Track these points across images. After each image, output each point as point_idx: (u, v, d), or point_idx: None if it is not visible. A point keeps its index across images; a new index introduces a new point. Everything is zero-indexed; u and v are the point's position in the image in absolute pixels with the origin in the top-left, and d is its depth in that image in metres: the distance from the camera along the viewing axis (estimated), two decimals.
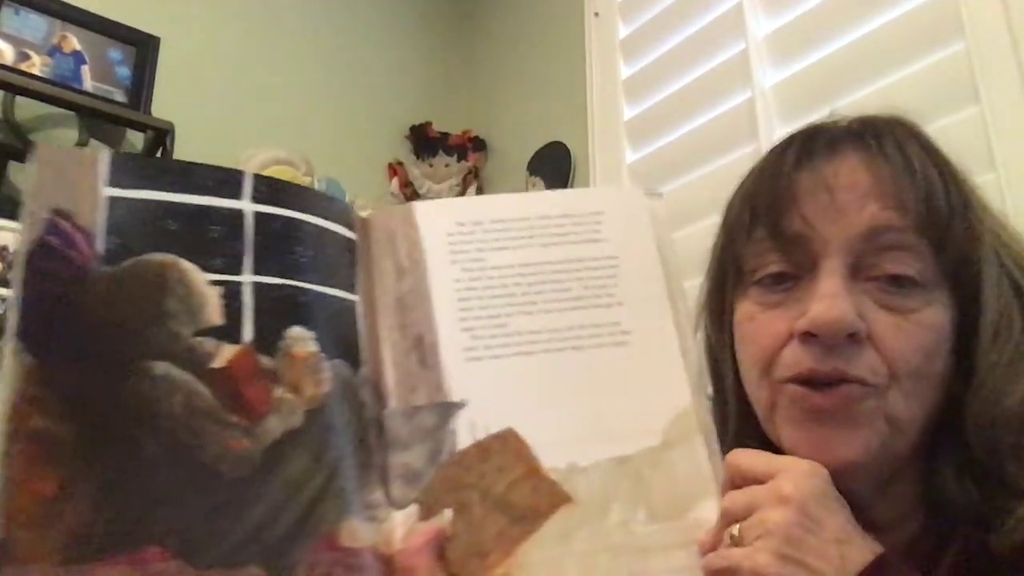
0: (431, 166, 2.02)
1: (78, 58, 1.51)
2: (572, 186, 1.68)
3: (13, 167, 1.47)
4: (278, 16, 1.93)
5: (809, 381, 0.45)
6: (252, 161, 1.77)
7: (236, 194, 0.44)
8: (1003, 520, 0.42)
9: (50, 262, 0.38)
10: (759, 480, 0.41)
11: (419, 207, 0.48)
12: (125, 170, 0.41)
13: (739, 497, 0.41)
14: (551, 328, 0.45)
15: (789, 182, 0.48)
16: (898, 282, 0.45)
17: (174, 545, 0.36)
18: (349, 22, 2.05)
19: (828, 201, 0.46)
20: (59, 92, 1.42)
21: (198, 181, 0.43)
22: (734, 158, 1.29)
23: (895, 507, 0.48)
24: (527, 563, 0.41)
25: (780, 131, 1.22)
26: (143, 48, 1.60)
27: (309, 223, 0.44)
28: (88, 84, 1.51)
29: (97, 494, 0.35)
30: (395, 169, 1.99)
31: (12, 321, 0.36)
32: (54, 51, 1.49)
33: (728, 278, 0.53)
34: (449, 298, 0.45)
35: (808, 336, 0.45)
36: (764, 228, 0.49)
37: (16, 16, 1.46)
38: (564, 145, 1.72)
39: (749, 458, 0.43)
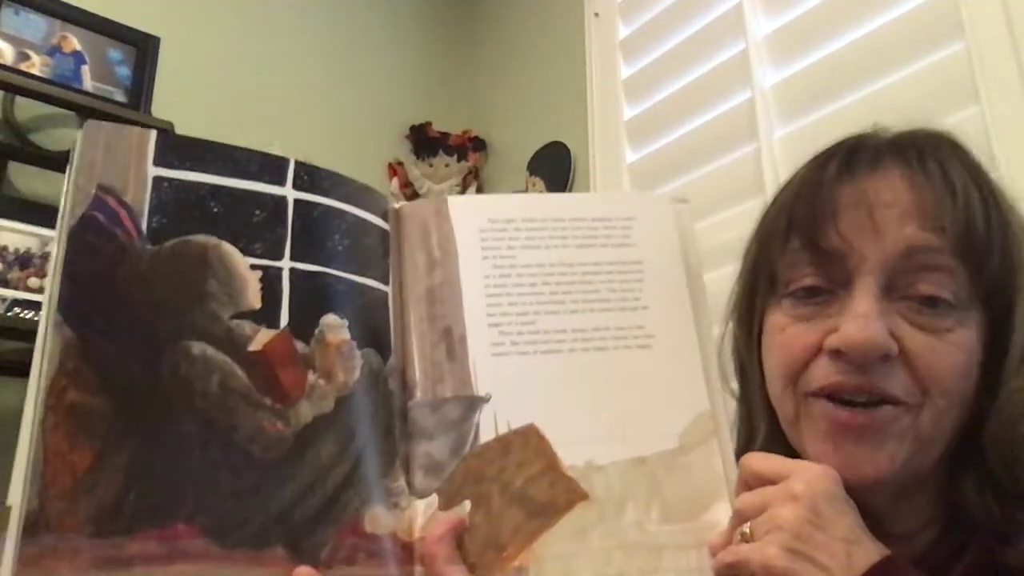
0: (431, 166, 2.02)
1: (78, 58, 1.51)
2: (572, 186, 1.68)
3: (13, 167, 1.47)
4: (278, 16, 1.93)
5: (836, 396, 0.46)
6: None
7: (280, 180, 0.45)
8: (1020, 533, 0.43)
9: (94, 237, 0.38)
10: (772, 482, 0.42)
11: (452, 201, 0.49)
12: (172, 150, 0.41)
13: (751, 497, 0.42)
14: (577, 328, 0.46)
15: (829, 196, 0.48)
16: (932, 302, 0.45)
17: (203, 523, 0.36)
18: (349, 22, 2.05)
19: (867, 218, 0.46)
20: (59, 92, 1.42)
21: (243, 165, 0.43)
22: (734, 158, 1.29)
23: (913, 518, 0.49)
24: (543, 556, 0.41)
25: (780, 131, 1.22)
26: (143, 48, 1.60)
27: (347, 212, 0.46)
28: (88, 84, 1.51)
29: (130, 469, 0.36)
30: (395, 169, 1.99)
31: (53, 294, 0.36)
32: (54, 51, 1.49)
33: (760, 286, 0.53)
34: (479, 293, 0.46)
35: (838, 353, 0.45)
36: (800, 240, 0.49)
37: (16, 16, 1.46)
38: (564, 145, 1.72)
39: (762, 461, 0.44)
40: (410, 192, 1.98)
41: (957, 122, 0.98)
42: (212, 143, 0.43)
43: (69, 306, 0.36)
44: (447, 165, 2.02)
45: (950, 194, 0.46)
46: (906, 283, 0.45)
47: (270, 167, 0.44)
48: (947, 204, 0.46)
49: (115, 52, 1.56)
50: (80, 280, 0.37)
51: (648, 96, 1.51)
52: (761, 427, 0.53)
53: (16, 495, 0.32)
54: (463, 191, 2.01)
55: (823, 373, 0.46)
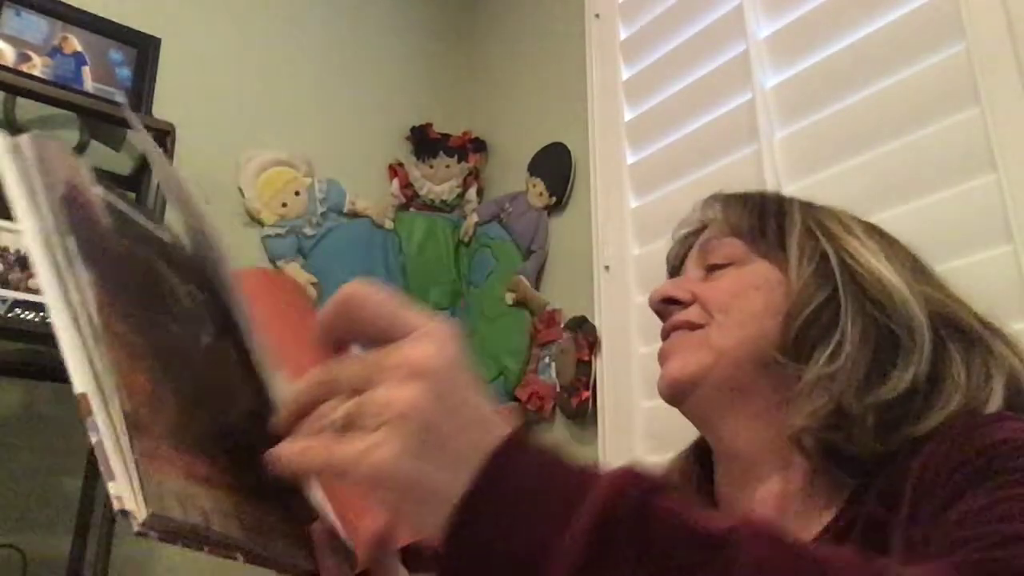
0: (432, 167, 2.02)
1: (79, 59, 1.52)
2: (572, 187, 1.69)
3: None
4: (279, 18, 1.93)
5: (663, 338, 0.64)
6: (252, 162, 1.78)
7: None
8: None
9: (81, 209, 0.38)
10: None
11: None
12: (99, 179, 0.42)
13: (349, 368, 0.33)
14: None
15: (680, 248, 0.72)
16: (712, 268, 0.63)
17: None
18: (350, 23, 2.05)
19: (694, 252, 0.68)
20: (60, 93, 1.42)
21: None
22: (734, 159, 1.29)
23: (764, 461, 0.57)
24: None
25: (780, 133, 1.23)
26: (144, 49, 1.60)
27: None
28: (89, 85, 1.51)
29: (178, 404, 0.35)
30: (395, 170, 1.99)
31: (72, 239, 0.35)
32: (55, 52, 1.49)
33: None
34: None
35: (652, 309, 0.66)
36: (668, 263, 0.73)
37: (17, 17, 1.47)
38: (564, 146, 1.72)
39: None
40: (411, 193, 1.99)
41: (957, 122, 0.99)
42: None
43: (83, 248, 0.35)
44: (448, 166, 2.02)
45: (723, 213, 0.66)
46: (704, 262, 0.65)
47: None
48: (720, 218, 0.66)
49: (116, 53, 1.57)
50: (85, 228, 0.37)
51: (648, 97, 1.51)
52: None
53: (87, 385, 0.31)
54: (464, 192, 2.01)
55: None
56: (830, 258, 0.58)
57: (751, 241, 0.63)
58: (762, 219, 0.64)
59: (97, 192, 0.40)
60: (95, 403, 0.31)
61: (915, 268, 0.60)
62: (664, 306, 0.64)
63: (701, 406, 0.60)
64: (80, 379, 0.31)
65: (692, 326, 0.61)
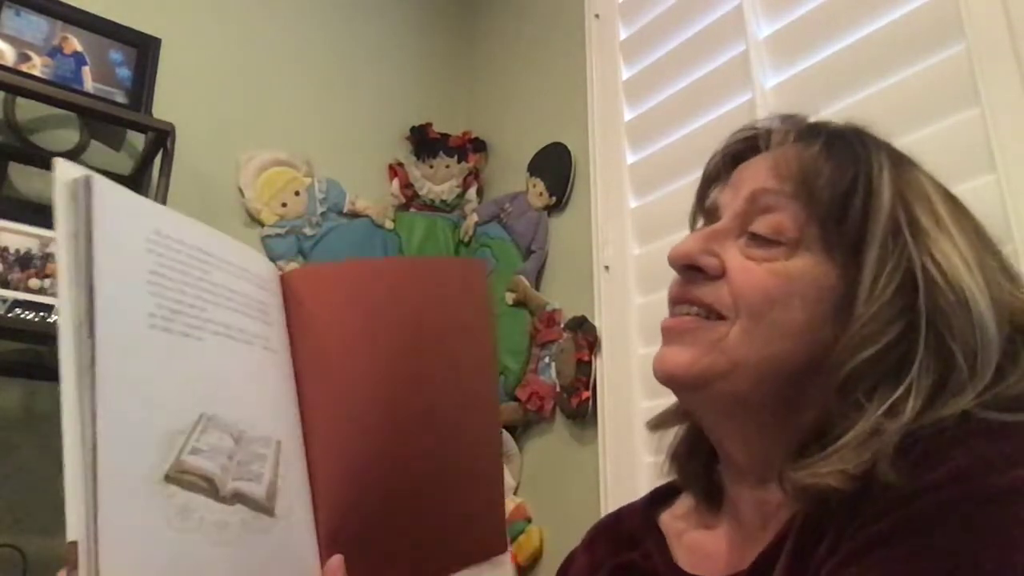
0: (431, 167, 2.02)
1: (79, 59, 1.52)
2: (572, 187, 1.68)
3: (14, 168, 1.47)
4: (278, 17, 1.93)
5: (672, 309, 0.54)
6: (252, 162, 1.78)
7: None
8: (808, 466, 0.44)
9: None
10: None
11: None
12: None
13: None
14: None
15: (717, 177, 0.60)
16: (760, 239, 0.51)
17: None
18: (349, 23, 2.05)
19: (736, 181, 0.55)
20: (60, 93, 1.42)
21: None
22: None
23: (768, 463, 0.50)
24: None
25: None
26: (144, 49, 1.60)
27: None
28: (89, 85, 1.51)
29: None
30: (395, 170, 1.99)
31: None
32: (55, 52, 1.49)
33: None
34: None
35: (672, 267, 0.54)
36: (697, 209, 0.61)
37: (17, 17, 1.46)
38: (564, 146, 1.72)
39: None
40: (411, 193, 1.99)
41: (957, 122, 0.98)
42: None
43: None
44: (447, 166, 2.02)
45: (796, 151, 0.52)
46: (748, 223, 0.52)
47: None
48: (791, 158, 0.52)
49: (116, 53, 1.57)
50: None
51: (648, 97, 1.51)
52: None
53: (79, 533, 0.33)
54: (464, 192, 2.01)
55: (671, 289, 0.55)
56: (915, 273, 0.46)
57: (820, 224, 0.49)
58: (848, 196, 0.49)
59: None
60: (83, 556, 0.32)
61: (1003, 267, 0.50)
62: (687, 271, 0.52)
63: (698, 405, 0.54)
64: (73, 526, 0.32)
65: (711, 312, 0.51)
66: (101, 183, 0.38)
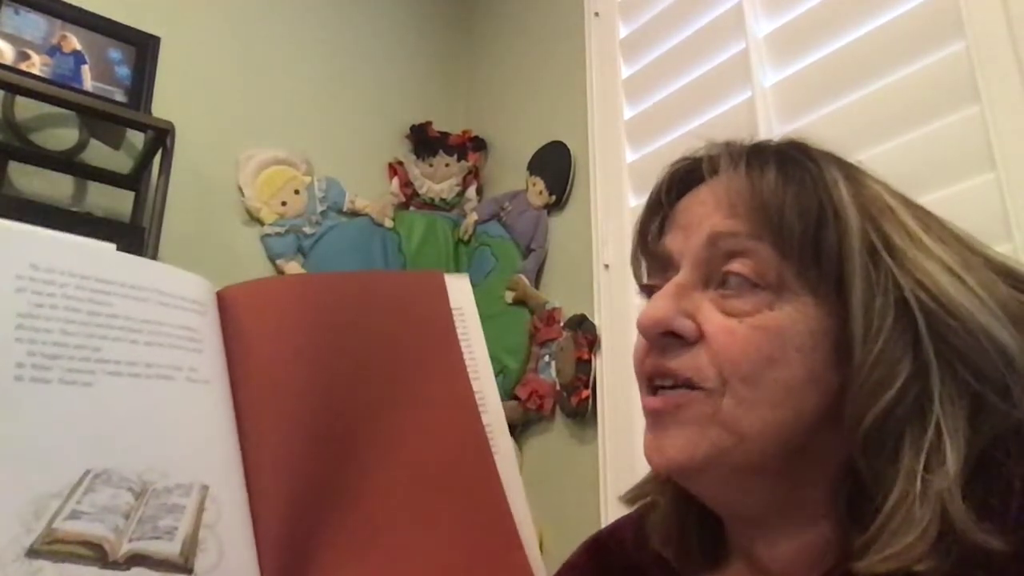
0: (431, 166, 2.02)
1: (78, 58, 1.51)
2: (572, 185, 1.68)
3: (13, 167, 1.47)
4: (278, 16, 1.93)
5: (651, 384, 0.47)
6: (251, 161, 1.78)
7: None
8: (867, 549, 0.39)
9: None
10: None
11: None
12: None
13: None
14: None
15: (658, 208, 0.52)
16: (735, 286, 0.44)
17: None
18: (349, 22, 2.05)
19: (685, 220, 0.49)
20: (59, 92, 1.42)
21: None
22: None
23: (807, 508, 0.45)
24: None
25: (780, 131, 1.22)
26: (143, 48, 1.60)
27: None
28: (88, 84, 1.51)
29: None
30: (395, 169, 1.99)
31: None
32: (54, 51, 1.49)
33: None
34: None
35: (644, 337, 0.47)
36: (639, 248, 0.53)
37: (16, 16, 1.46)
38: (564, 145, 1.72)
39: None
40: (410, 192, 1.99)
41: (957, 122, 0.98)
42: None
43: None
44: (447, 165, 2.02)
45: (749, 182, 0.46)
46: (715, 270, 0.46)
47: None
48: (744, 191, 0.46)
49: (115, 52, 1.56)
50: None
51: (648, 96, 1.51)
52: None
53: None
54: (463, 191, 2.01)
55: (639, 360, 0.48)
56: (908, 300, 0.42)
57: (797, 263, 0.43)
58: (819, 227, 0.43)
59: None
60: None
61: (987, 259, 0.45)
62: (663, 339, 0.45)
63: (706, 487, 0.47)
64: None
65: (692, 387, 0.44)
66: None
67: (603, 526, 0.65)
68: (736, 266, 0.44)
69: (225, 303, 0.44)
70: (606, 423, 1.42)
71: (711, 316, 0.44)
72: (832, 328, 0.43)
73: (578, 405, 1.46)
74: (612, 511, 1.31)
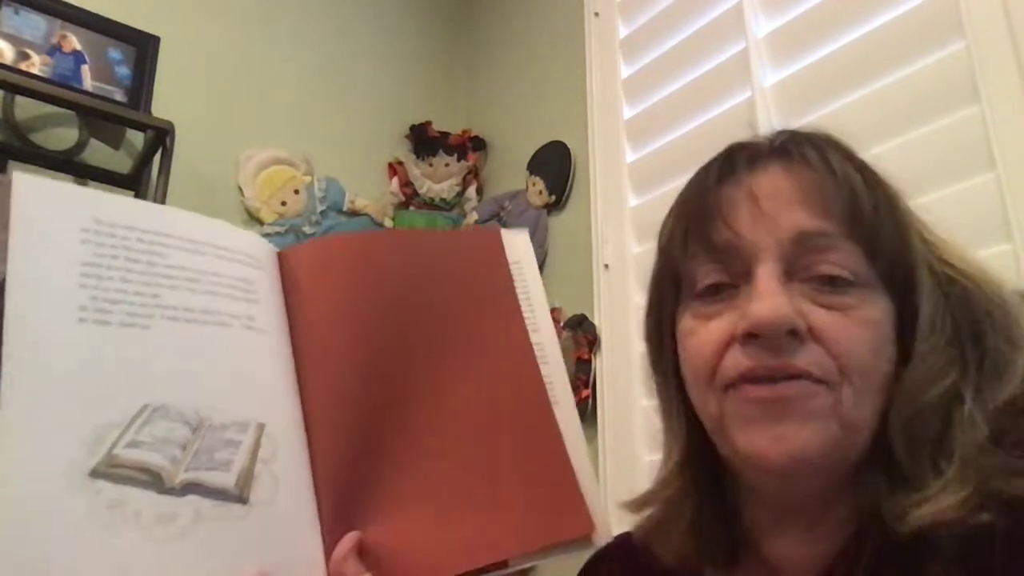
0: (431, 165, 2.02)
1: (78, 57, 1.51)
2: (572, 185, 1.68)
3: (13, 167, 1.47)
4: (278, 16, 1.93)
5: (754, 379, 0.45)
6: (251, 161, 1.78)
7: None
8: (904, 512, 0.41)
9: None
10: None
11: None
12: None
13: None
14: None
15: (715, 196, 0.50)
16: (832, 281, 0.45)
17: None
18: (349, 22, 2.05)
19: (753, 209, 0.47)
20: (59, 92, 1.42)
21: None
22: None
23: (837, 514, 0.46)
24: None
25: None
26: (143, 48, 1.60)
27: None
28: (88, 84, 1.51)
29: None
30: (395, 168, 1.99)
31: None
32: (54, 50, 1.49)
33: (666, 298, 0.54)
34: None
35: (749, 337, 0.44)
36: (696, 241, 0.49)
37: (16, 15, 1.46)
38: (564, 145, 1.72)
39: None
40: (410, 191, 1.99)
41: (957, 122, 0.98)
42: None
43: None
44: (447, 164, 2.02)
45: (831, 178, 0.47)
46: (804, 266, 0.46)
47: None
48: (830, 188, 0.46)
49: (115, 51, 1.56)
50: None
51: (648, 96, 1.51)
52: (678, 444, 0.53)
53: None
54: (463, 190, 2.01)
55: (736, 362, 0.45)
56: (952, 291, 0.46)
57: (884, 261, 0.46)
58: (898, 228, 0.48)
59: None
60: None
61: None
62: (784, 337, 0.44)
63: (802, 480, 0.46)
64: None
65: (815, 380, 0.44)
66: (22, 180, 0.38)
67: None
68: (831, 264, 0.45)
69: (287, 261, 0.46)
70: (606, 423, 1.42)
71: (816, 311, 0.44)
72: (896, 324, 0.46)
73: (578, 405, 1.46)
74: (612, 511, 1.31)
